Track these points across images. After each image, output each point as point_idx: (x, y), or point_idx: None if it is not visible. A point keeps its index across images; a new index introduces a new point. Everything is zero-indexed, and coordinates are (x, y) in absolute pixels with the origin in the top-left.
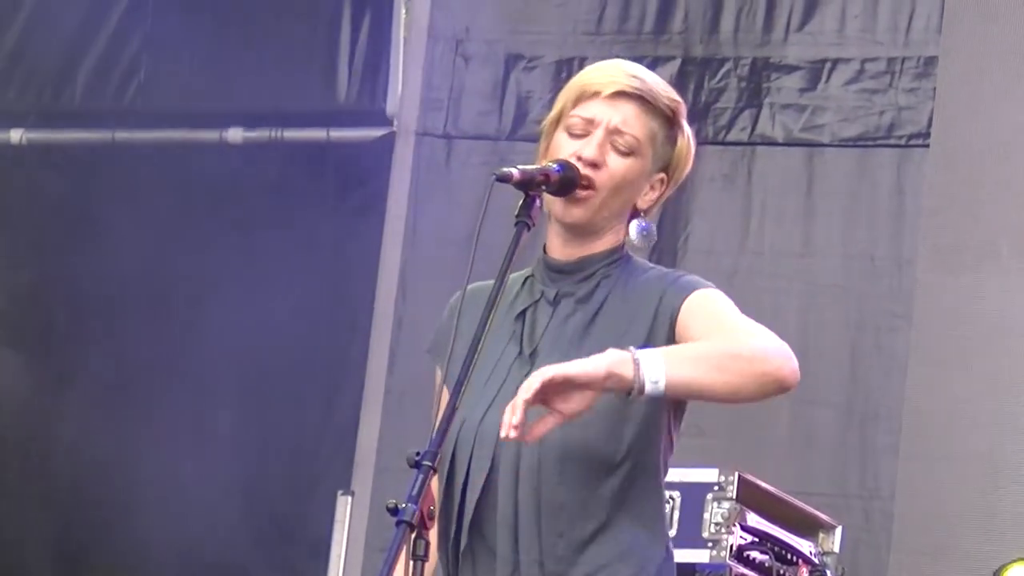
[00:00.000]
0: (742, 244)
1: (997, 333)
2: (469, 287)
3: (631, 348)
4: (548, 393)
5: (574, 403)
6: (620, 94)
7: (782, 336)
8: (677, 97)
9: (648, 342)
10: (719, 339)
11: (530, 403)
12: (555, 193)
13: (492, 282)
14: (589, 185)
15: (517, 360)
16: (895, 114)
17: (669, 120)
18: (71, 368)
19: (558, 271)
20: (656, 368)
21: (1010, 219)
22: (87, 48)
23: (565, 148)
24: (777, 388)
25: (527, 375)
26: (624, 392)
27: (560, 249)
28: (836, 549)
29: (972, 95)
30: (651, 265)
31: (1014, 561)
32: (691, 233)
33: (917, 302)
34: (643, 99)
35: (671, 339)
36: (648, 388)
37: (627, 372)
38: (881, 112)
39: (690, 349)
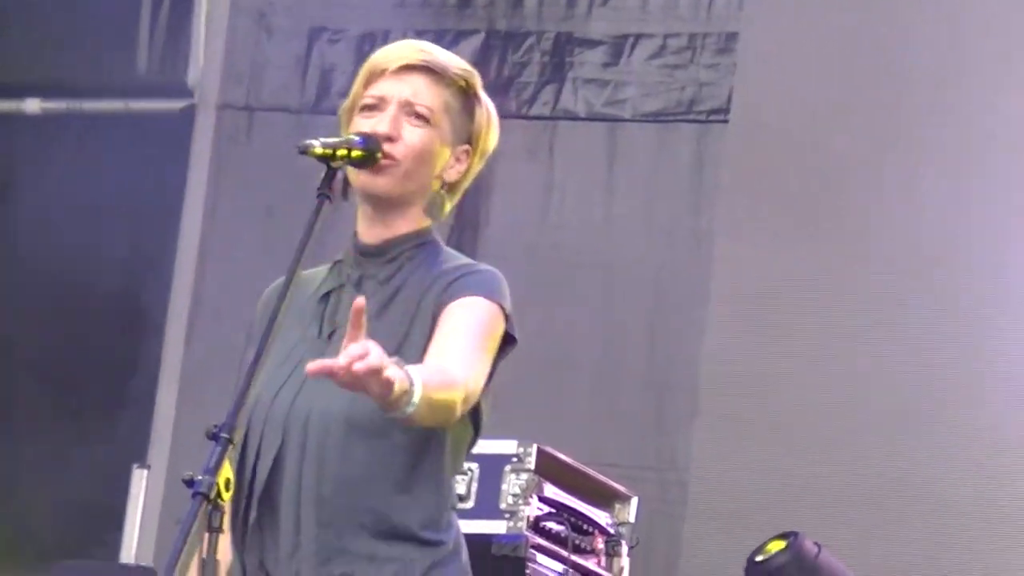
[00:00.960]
0: (543, 218)
1: (791, 305)
2: (284, 278)
3: (413, 383)
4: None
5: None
6: (407, 68)
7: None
8: (469, 67)
9: (431, 330)
10: (449, 377)
11: (346, 375)
12: (358, 165)
13: (311, 270)
14: (389, 158)
15: (315, 342)
16: (696, 90)
17: (463, 91)
18: None
19: (364, 254)
20: (411, 403)
21: (806, 193)
22: None
23: (362, 128)
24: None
25: (320, 355)
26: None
27: (367, 231)
28: (632, 519)
29: (771, 71)
30: (457, 255)
31: (770, 540)
32: (492, 208)
33: (715, 275)
34: (431, 70)
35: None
36: (397, 414)
37: (400, 400)
38: (682, 87)
39: (436, 391)
